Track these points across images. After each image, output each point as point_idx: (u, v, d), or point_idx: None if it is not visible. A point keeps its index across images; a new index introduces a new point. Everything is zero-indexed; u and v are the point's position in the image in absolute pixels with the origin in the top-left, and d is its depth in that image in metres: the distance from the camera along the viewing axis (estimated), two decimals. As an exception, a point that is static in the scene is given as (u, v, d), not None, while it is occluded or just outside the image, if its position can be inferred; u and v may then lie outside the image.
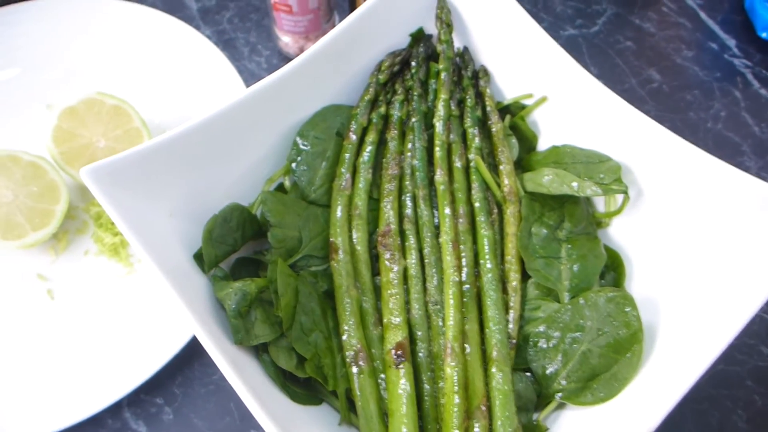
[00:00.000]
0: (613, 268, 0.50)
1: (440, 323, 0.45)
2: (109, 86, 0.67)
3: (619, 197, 0.51)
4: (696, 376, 0.39)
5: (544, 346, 0.45)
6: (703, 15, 0.77)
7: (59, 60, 0.69)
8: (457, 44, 0.56)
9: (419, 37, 0.56)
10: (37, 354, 0.54)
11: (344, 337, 0.44)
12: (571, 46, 0.72)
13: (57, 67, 0.69)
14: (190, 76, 0.68)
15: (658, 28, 0.76)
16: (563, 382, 0.44)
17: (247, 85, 0.69)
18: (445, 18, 0.53)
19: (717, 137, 0.69)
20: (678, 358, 0.42)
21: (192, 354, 0.54)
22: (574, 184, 0.49)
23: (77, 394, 0.51)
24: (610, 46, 0.74)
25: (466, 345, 0.44)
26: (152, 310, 0.55)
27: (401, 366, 0.42)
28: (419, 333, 0.45)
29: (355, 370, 0.42)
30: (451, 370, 0.42)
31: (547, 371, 0.45)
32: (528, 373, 0.46)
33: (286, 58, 0.72)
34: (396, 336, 0.43)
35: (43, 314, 0.56)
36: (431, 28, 0.56)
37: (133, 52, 0.70)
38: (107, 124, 0.59)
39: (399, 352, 0.43)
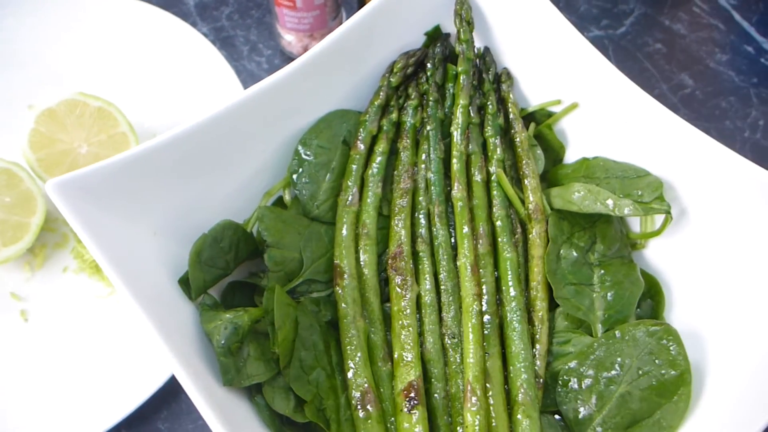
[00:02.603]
0: (650, 296, 0.46)
1: (458, 359, 0.41)
2: (96, 86, 0.62)
3: (658, 216, 0.46)
4: (759, 427, 0.34)
5: (576, 386, 0.40)
6: (737, 16, 0.72)
7: (41, 57, 0.65)
8: (478, 44, 0.51)
9: (436, 36, 0.51)
10: (6, 382, 0.49)
11: (350, 375, 0.39)
12: (596, 48, 0.67)
13: (38, 65, 0.64)
14: (184, 77, 0.63)
15: (690, 29, 0.70)
16: (599, 429, 0.39)
17: (246, 87, 0.64)
18: (466, 15, 0.48)
19: (755, 147, 0.64)
20: (734, 404, 0.37)
21: (179, 385, 0.49)
22: (609, 201, 0.44)
23: (52, 429, 0.46)
24: (639, 48, 0.69)
25: (487, 384, 0.39)
26: (136, 335, 0.50)
27: (414, 411, 0.37)
28: (434, 371, 0.40)
29: (361, 414, 0.38)
30: (472, 417, 0.37)
31: (580, 415, 0.40)
32: (557, 416, 0.41)
33: (289, 58, 0.67)
34: (408, 375, 0.39)
35: (15, 337, 0.51)
36: (449, 26, 0.51)
37: (123, 50, 0.66)
38: (90, 128, 0.54)
39: (411, 395, 0.38)
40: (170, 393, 0.49)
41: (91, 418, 0.46)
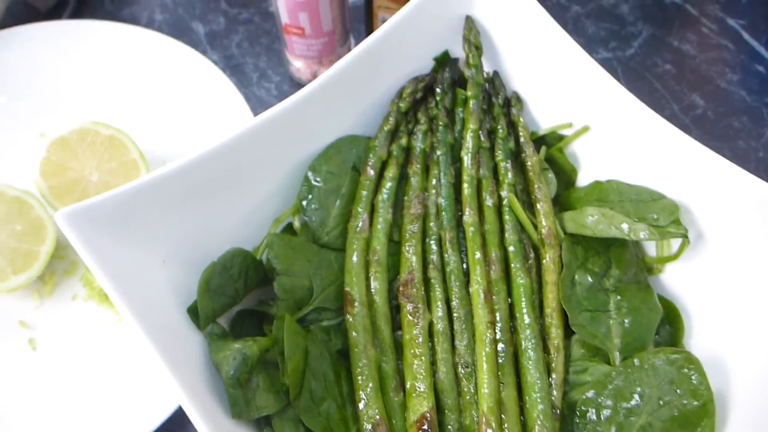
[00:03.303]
0: (668, 322, 0.45)
1: (472, 389, 0.39)
2: (107, 115, 0.62)
3: (674, 240, 0.45)
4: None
5: (594, 417, 0.39)
6: (746, 36, 0.72)
7: (51, 87, 0.65)
8: (487, 68, 0.51)
9: (444, 60, 0.51)
10: (13, 411, 0.49)
11: (361, 406, 0.38)
12: (605, 70, 0.67)
13: (49, 95, 0.65)
14: (195, 104, 0.63)
15: (699, 50, 0.70)
16: (619, 463, 0.37)
17: (256, 113, 0.64)
18: (474, 40, 0.48)
19: (770, 168, 0.63)
20: (759, 436, 0.36)
21: (186, 416, 0.48)
22: (624, 225, 0.43)
23: (57, 462, 0.45)
24: (648, 69, 0.69)
25: (502, 416, 0.38)
26: (144, 365, 0.49)
27: (428, 443, 0.36)
28: (447, 401, 0.39)
29: (373, 447, 0.36)
30: (487, 450, 0.36)
31: (599, 448, 0.38)
32: (575, 449, 0.39)
33: (298, 84, 0.68)
34: (421, 406, 0.38)
35: (22, 367, 0.51)
36: (458, 51, 0.51)
37: (134, 78, 0.66)
38: (101, 155, 0.54)
39: (424, 427, 0.37)
40: (177, 424, 0.48)
41: (98, 451, 0.45)
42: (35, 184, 0.54)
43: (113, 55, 0.66)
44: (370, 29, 0.64)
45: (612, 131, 0.47)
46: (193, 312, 0.39)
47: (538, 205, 0.46)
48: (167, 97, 0.65)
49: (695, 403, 0.37)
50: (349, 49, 0.66)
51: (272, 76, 0.69)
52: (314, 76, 0.65)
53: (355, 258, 0.43)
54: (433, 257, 0.44)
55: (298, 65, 0.65)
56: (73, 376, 0.50)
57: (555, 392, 0.40)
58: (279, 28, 0.61)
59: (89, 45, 0.67)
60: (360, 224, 0.44)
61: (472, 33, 0.48)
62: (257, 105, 0.67)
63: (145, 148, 0.58)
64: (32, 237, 0.51)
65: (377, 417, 0.37)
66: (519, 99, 0.50)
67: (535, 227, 0.45)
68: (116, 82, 0.66)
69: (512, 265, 0.43)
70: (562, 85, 0.48)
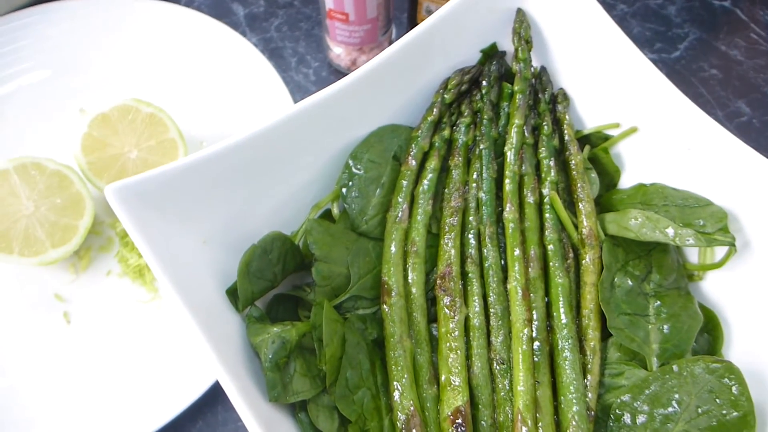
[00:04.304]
0: (706, 330, 0.44)
1: (507, 386, 0.39)
2: (147, 93, 0.62)
3: (718, 248, 0.44)
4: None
5: (629, 421, 0.39)
6: (796, 44, 0.70)
7: (93, 63, 0.65)
8: (534, 63, 0.50)
9: (492, 53, 0.50)
10: (45, 384, 0.49)
11: (396, 396, 0.38)
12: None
13: (91, 71, 0.65)
14: (234, 86, 0.63)
15: (747, 56, 0.68)
16: (653, 469, 0.37)
17: (293, 98, 0.64)
18: (524, 34, 0.47)
19: (815, 180, 0.61)
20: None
21: (216, 395, 0.48)
22: (669, 230, 0.42)
23: (87, 433, 0.46)
24: (693, 73, 0.67)
25: (537, 414, 0.38)
26: (175, 343, 0.49)
27: (461, 438, 0.35)
28: (482, 396, 0.39)
29: (406, 438, 0.36)
30: (522, 448, 0.35)
31: (633, 453, 0.38)
32: (608, 453, 0.39)
33: (336, 71, 0.67)
34: (455, 399, 0.37)
35: (56, 340, 0.51)
36: (505, 44, 0.50)
37: (175, 57, 0.66)
38: (141, 133, 0.54)
39: (459, 421, 0.36)
40: (207, 403, 0.49)
41: (126, 427, 0.46)
42: (75, 159, 0.54)
43: (154, 32, 0.66)
44: (413, 18, 0.64)
45: (661, 133, 0.46)
46: (232, 294, 0.39)
47: (580, 205, 0.45)
48: (206, 78, 0.65)
49: (735, 413, 0.37)
50: (391, 38, 0.65)
51: (311, 61, 0.69)
52: (354, 63, 0.65)
53: (393, 248, 0.43)
54: (472, 251, 0.43)
55: (338, 52, 0.65)
56: (106, 350, 0.51)
57: (590, 394, 0.40)
58: (322, 13, 0.61)
59: (130, 22, 0.67)
60: (399, 214, 0.44)
61: (523, 26, 0.47)
62: (295, 90, 0.66)
63: (183, 128, 0.58)
64: (71, 211, 0.52)
65: (411, 408, 0.37)
66: (566, 96, 0.49)
67: (576, 227, 0.45)
68: (156, 60, 0.66)
69: (551, 263, 0.43)
70: (612, 84, 0.47)
